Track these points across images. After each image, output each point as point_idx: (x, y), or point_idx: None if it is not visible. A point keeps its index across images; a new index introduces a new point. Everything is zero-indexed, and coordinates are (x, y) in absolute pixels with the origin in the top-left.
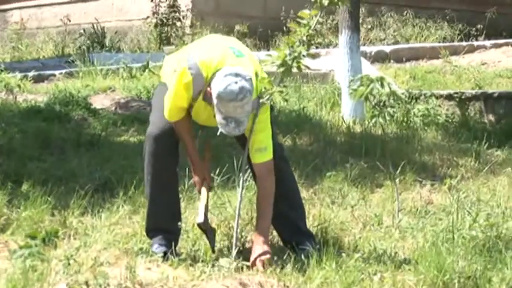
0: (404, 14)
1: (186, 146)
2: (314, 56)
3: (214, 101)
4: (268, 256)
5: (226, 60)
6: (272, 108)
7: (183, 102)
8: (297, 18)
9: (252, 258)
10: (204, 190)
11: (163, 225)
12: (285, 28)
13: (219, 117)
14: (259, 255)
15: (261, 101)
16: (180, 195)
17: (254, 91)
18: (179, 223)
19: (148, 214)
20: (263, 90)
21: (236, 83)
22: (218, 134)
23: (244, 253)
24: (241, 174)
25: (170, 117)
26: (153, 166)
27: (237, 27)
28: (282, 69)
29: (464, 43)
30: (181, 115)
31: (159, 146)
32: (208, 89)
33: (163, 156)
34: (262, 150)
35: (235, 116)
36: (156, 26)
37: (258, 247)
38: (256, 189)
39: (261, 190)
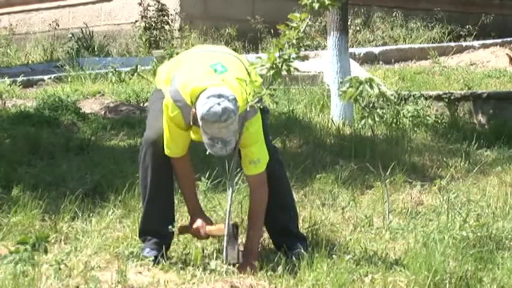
0: (393, 15)
1: (186, 194)
2: (304, 58)
3: (199, 122)
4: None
5: (208, 80)
6: (267, 111)
7: (178, 134)
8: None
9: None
10: (213, 229)
11: (158, 228)
12: (272, 31)
13: (205, 138)
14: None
15: (250, 103)
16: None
17: (243, 101)
18: (170, 226)
19: (143, 217)
20: (253, 93)
21: (219, 104)
22: (207, 153)
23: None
24: (232, 177)
25: (170, 151)
26: (151, 169)
27: (226, 30)
28: (272, 72)
29: (452, 44)
30: (180, 148)
31: (156, 150)
32: (193, 109)
33: (160, 159)
34: (255, 162)
35: (221, 136)
36: (144, 29)
37: (248, 256)
38: (249, 200)
39: (252, 201)
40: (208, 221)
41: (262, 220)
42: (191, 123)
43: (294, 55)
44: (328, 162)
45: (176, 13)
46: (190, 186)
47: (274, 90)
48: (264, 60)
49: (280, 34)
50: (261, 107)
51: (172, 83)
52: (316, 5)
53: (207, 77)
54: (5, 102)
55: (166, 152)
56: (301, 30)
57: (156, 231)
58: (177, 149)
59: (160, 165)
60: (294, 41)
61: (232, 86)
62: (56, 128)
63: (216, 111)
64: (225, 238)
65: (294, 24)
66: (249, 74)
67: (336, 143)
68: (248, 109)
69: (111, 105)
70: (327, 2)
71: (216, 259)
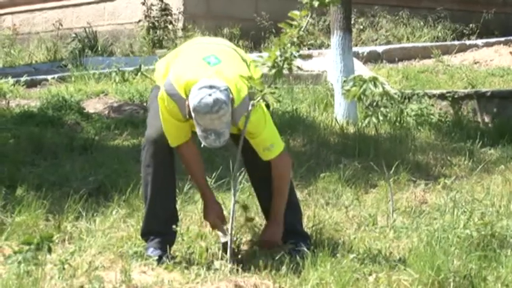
0: (396, 14)
1: (196, 180)
2: (305, 57)
3: (192, 114)
4: (275, 240)
5: (201, 73)
6: (268, 106)
7: (175, 126)
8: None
9: (262, 235)
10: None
11: (161, 228)
12: (275, 30)
13: (198, 130)
14: (270, 236)
15: (251, 102)
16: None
17: (238, 95)
18: (174, 226)
19: (146, 216)
20: (254, 91)
21: (210, 95)
22: (202, 146)
23: (238, 255)
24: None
25: (172, 142)
26: (153, 168)
27: (228, 29)
28: (273, 71)
29: (456, 42)
30: (181, 137)
31: (157, 148)
32: (187, 102)
33: (162, 158)
34: (269, 148)
35: (213, 128)
36: (148, 29)
37: (272, 224)
38: (272, 173)
39: (275, 172)
40: (221, 212)
41: (287, 188)
42: (187, 116)
43: (295, 53)
44: (331, 161)
45: (179, 12)
46: (200, 173)
47: (276, 88)
48: (265, 58)
49: (282, 33)
50: (264, 103)
51: (167, 81)
52: (315, 3)
53: (200, 69)
54: (8, 102)
55: (170, 142)
56: (303, 28)
57: (159, 231)
58: (178, 138)
59: (162, 164)
60: (295, 39)
61: (226, 77)
62: (59, 127)
63: (208, 103)
64: (229, 237)
65: (295, 23)
66: (247, 65)
67: (340, 141)
68: (251, 107)
69: (115, 104)
70: (326, 0)
71: (220, 258)
